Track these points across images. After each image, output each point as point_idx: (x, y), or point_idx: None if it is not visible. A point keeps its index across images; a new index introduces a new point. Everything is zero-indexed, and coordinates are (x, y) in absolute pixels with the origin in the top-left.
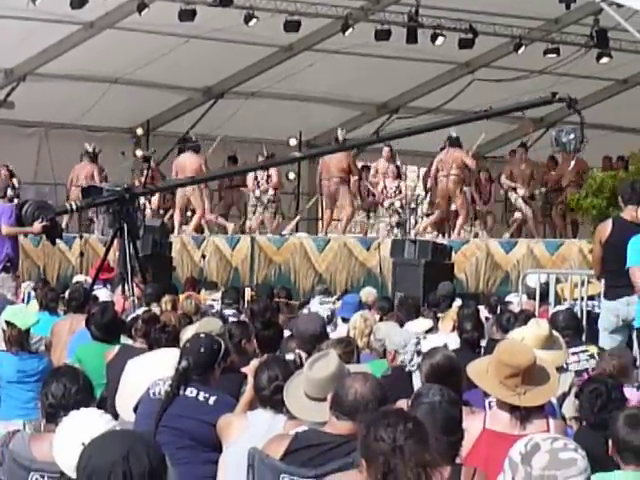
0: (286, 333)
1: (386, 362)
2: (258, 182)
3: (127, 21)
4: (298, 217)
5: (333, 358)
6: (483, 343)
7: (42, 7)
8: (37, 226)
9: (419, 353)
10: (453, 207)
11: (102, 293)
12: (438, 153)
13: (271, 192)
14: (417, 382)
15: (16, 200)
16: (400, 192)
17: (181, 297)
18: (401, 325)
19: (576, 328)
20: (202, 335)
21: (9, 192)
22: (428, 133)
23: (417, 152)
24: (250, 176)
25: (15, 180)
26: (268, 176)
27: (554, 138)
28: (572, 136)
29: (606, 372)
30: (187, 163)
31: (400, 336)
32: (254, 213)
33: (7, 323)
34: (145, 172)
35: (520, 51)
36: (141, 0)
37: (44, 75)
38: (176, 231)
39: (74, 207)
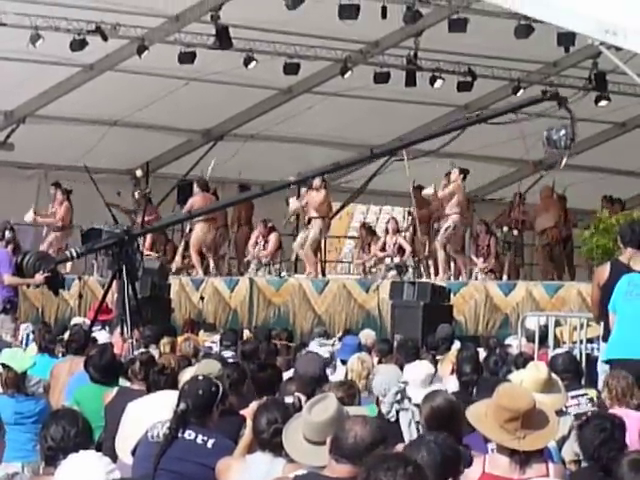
0: (286, 375)
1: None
2: (257, 243)
3: (127, 63)
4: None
5: (332, 401)
6: None
7: (42, 49)
8: (39, 277)
9: (401, 402)
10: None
11: (101, 335)
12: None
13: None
14: (405, 429)
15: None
16: (402, 250)
17: (179, 339)
18: (401, 368)
19: (575, 371)
20: (200, 378)
21: (7, 234)
22: (410, 172)
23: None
24: (252, 238)
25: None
26: (266, 241)
27: (545, 137)
28: (563, 132)
29: (615, 389)
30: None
31: (380, 384)
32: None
33: (3, 366)
34: (143, 212)
35: (519, 94)
36: (141, 43)
37: (44, 117)
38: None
39: (74, 254)
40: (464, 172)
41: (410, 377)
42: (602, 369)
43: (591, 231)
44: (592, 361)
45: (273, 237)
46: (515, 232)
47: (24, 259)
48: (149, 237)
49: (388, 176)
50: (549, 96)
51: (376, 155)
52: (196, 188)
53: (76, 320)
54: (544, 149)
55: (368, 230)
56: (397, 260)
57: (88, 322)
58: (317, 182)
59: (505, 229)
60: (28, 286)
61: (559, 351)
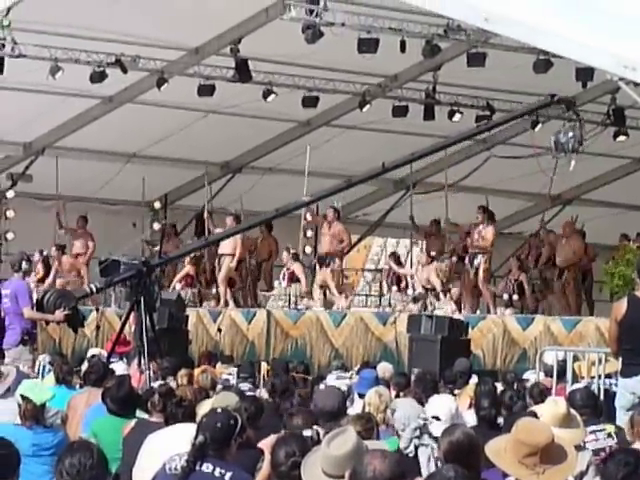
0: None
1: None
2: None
3: (146, 96)
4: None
5: (351, 435)
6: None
7: (61, 81)
8: (59, 315)
9: (420, 437)
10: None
11: (119, 367)
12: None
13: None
14: (424, 464)
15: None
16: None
17: (196, 371)
18: (419, 402)
19: (594, 407)
20: (219, 410)
21: (24, 265)
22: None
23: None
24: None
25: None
26: (288, 269)
27: (553, 142)
28: (571, 134)
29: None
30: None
31: (401, 418)
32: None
33: (22, 397)
34: (160, 243)
35: (537, 128)
36: (161, 75)
37: (62, 149)
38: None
39: (94, 289)
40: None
41: (440, 412)
42: (619, 404)
43: (616, 262)
44: (610, 396)
45: (296, 267)
46: (536, 272)
47: (45, 296)
48: (191, 267)
49: (406, 209)
50: (557, 100)
51: (388, 169)
52: (231, 221)
53: (93, 351)
54: (552, 153)
55: (397, 260)
56: (419, 291)
57: (105, 353)
58: (330, 214)
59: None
60: (47, 323)
61: (577, 386)
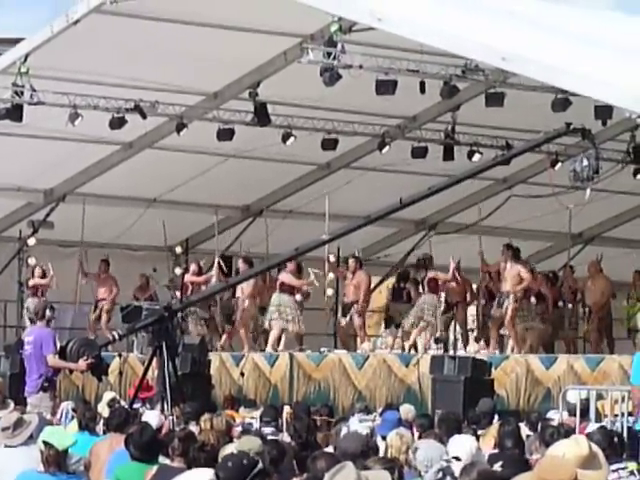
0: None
1: None
2: None
3: (166, 141)
4: None
5: (351, 471)
6: None
7: (81, 128)
8: (82, 363)
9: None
10: None
11: (153, 417)
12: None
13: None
14: None
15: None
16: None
17: (206, 415)
18: (442, 443)
19: (610, 445)
20: (233, 452)
21: (47, 313)
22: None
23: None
24: None
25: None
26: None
27: (570, 171)
28: (586, 163)
29: None
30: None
31: (424, 458)
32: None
33: (45, 443)
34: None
35: (557, 167)
36: (180, 120)
37: (83, 195)
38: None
39: (117, 337)
40: None
41: (460, 452)
42: None
43: (634, 301)
44: (633, 434)
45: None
46: (570, 305)
47: (68, 344)
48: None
49: (428, 250)
50: (573, 129)
51: (406, 205)
52: (243, 265)
53: (109, 395)
54: (570, 182)
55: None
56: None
57: (118, 397)
58: (352, 264)
59: (560, 304)
60: (71, 372)
61: (593, 427)
